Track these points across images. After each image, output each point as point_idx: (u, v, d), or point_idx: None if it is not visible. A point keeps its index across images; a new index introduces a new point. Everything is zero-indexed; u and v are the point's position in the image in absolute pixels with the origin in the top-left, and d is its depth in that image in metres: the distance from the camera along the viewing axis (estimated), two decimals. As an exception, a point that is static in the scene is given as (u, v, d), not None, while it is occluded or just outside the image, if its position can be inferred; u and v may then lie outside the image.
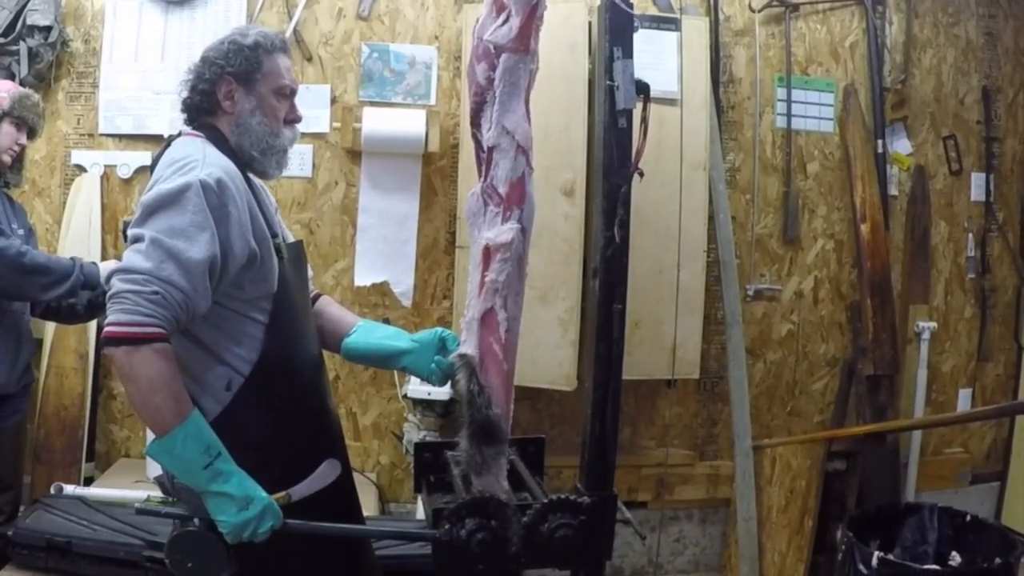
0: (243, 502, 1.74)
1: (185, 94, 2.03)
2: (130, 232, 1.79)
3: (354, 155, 3.58)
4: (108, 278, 1.76)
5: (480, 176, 2.01)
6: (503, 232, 1.94)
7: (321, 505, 1.89)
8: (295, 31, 3.53)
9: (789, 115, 3.85)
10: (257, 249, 1.88)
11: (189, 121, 2.04)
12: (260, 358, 1.90)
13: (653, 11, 3.65)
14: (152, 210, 1.78)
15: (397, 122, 3.49)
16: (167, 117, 3.46)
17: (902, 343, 3.94)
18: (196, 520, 1.77)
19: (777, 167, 3.89)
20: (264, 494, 1.76)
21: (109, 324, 1.70)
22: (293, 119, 2.07)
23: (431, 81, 3.62)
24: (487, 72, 1.96)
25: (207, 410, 1.83)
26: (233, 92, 1.99)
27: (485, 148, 1.99)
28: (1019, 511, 4.07)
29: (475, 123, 2.02)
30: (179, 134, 2.02)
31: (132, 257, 1.74)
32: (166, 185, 1.79)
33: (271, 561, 1.88)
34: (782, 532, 3.70)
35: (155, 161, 1.97)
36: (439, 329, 2.17)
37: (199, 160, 1.86)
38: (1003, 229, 4.15)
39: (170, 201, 1.77)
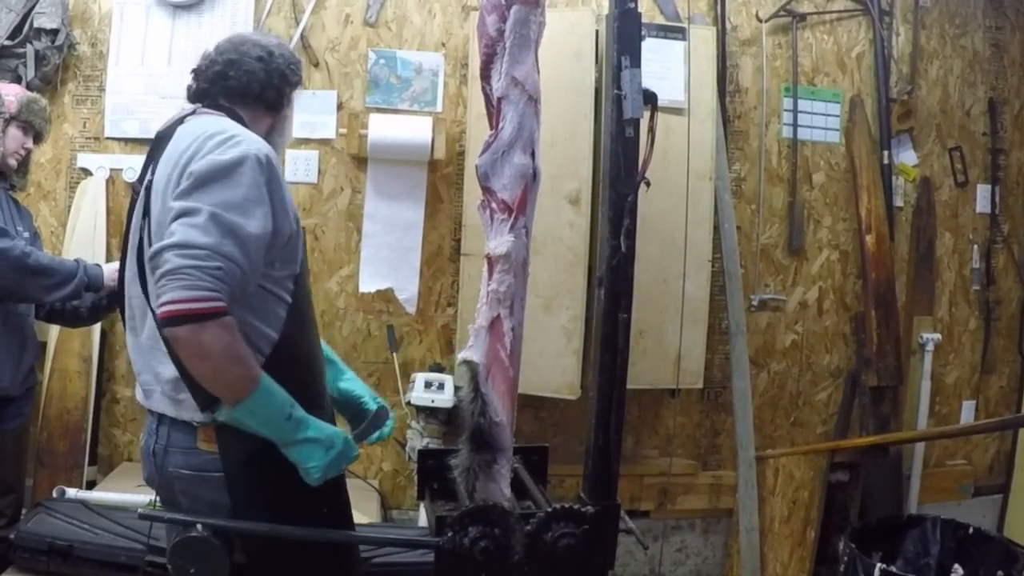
0: (327, 443, 1.81)
1: (251, 74, 2.03)
2: (179, 204, 1.74)
3: (360, 161, 3.58)
4: (158, 253, 1.69)
5: (491, 127, 2.01)
6: (501, 244, 1.94)
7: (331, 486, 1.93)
8: (302, 36, 3.54)
9: (795, 125, 3.85)
10: (295, 228, 1.91)
11: (212, 95, 2.03)
12: (280, 339, 1.90)
13: (660, 20, 3.65)
14: (204, 181, 1.75)
15: (403, 129, 3.49)
16: (173, 121, 3.46)
17: (906, 354, 3.94)
18: (199, 525, 1.77)
19: (783, 177, 3.89)
20: (339, 430, 1.87)
21: (170, 302, 1.63)
22: None
23: (438, 88, 3.63)
24: (497, 24, 1.98)
25: None
26: (291, 100, 2.10)
27: (494, 100, 1.99)
28: (1022, 524, 4.06)
29: (485, 76, 2.03)
30: (193, 111, 2.01)
31: (189, 232, 1.68)
32: (219, 157, 1.77)
33: (268, 565, 1.89)
34: (784, 543, 3.70)
35: (164, 136, 1.96)
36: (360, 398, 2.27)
37: (243, 135, 1.86)
38: (1008, 241, 4.15)
39: (224, 173, 1.76)
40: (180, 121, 1.98)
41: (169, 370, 1.83)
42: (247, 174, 1.76)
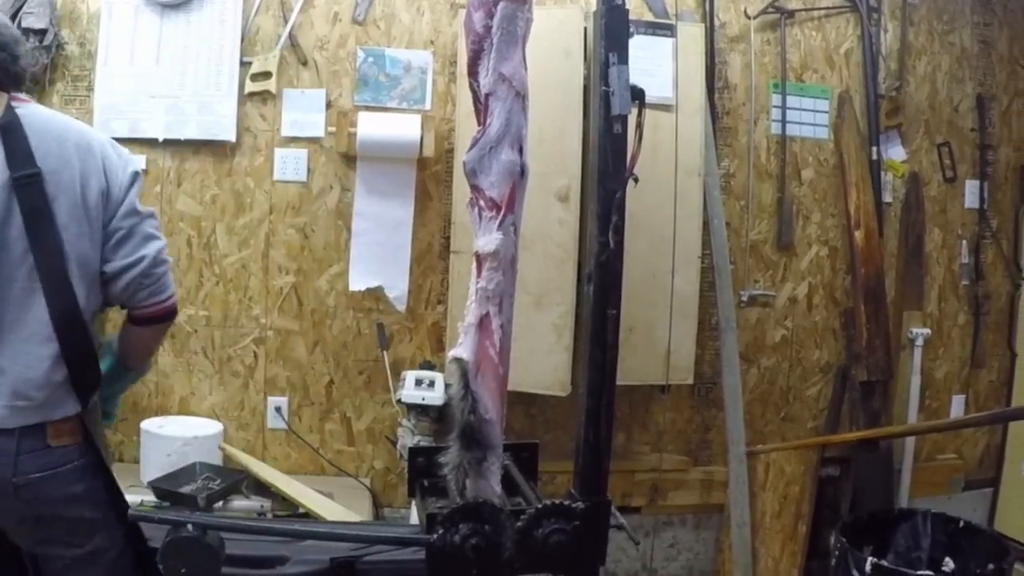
0: None
1: (27, 59, 2.00)
2: (141, 207, 1.94)
3: (349, 159, 3.57)
4: (160, 251, 1.93)
5: (479, 123, 2.02)
6: (489, 241, 1.95)
7: None
8: (291, 35, 3.53)
9: (784, 121, 3.86)
10: None
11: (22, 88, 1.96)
12: None
13: (649, 17, 3.66)
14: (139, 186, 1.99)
15: (392, 127, 3.48)
16: (163, 120, 3.45)
17: (896, 349, 3.95)
18: (190, 525, 1.77)
19: (772, 173, 3.89)
20: None
21: (171, 297, 1.95)
22: None
23: (426, 86, 3.62)
24: (484, 20, 1.98)
25: None
26: None
27: (482, 96, 2.00)
28: (1012, 517, 4.08)
29: (472, 72, 2.04)
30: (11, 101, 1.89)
31: (158, 234, 1.95)
32: (136, 165, 1.98)
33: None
34: (776, 538, 3.71)
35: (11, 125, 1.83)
36: None
37: None
38: (997, 236, 4.16)
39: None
40: (10, 109, 1.85)
41: (53, 370, 1.83)
42: None
